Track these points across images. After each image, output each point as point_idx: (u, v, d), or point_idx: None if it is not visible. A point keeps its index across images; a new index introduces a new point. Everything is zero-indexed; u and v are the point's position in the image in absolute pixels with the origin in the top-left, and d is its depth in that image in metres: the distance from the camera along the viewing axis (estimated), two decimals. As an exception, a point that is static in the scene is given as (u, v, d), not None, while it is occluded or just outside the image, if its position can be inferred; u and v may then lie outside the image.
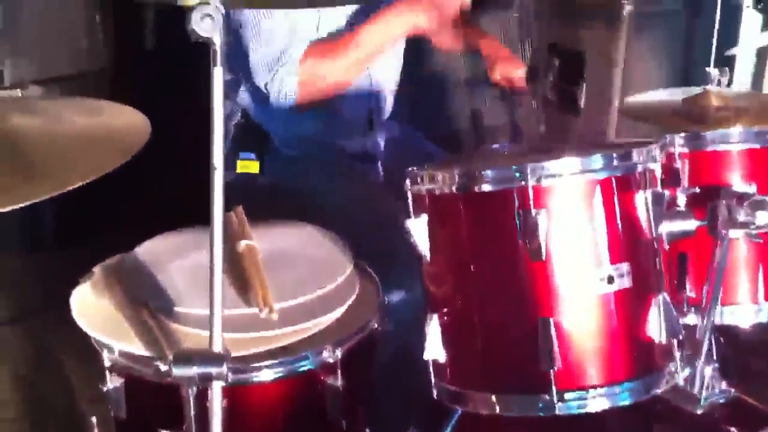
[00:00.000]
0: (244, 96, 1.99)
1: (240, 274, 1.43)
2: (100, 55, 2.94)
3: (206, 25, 1.15)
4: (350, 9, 1.92)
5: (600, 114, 2.89)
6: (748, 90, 2.56)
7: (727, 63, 2.61)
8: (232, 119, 1.99)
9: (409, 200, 1.36)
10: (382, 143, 2.14)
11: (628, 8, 2.80)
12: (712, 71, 2.04)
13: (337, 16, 1.92)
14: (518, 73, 2.16)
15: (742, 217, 1.37)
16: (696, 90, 1.93)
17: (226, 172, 1.40)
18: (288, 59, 1.84)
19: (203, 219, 1.19)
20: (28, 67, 2.73)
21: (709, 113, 1.86)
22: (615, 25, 2.82)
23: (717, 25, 2.65)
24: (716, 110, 1.87)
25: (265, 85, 1.87)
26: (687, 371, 1.38)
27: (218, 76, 1.18)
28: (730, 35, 2.91)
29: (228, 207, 1.75)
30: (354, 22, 1.90)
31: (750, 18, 2.98)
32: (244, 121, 1.99)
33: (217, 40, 1.17)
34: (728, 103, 1.88)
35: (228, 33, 1.86)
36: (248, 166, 1.95)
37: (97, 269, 1.52)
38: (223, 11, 1.17)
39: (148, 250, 1.56)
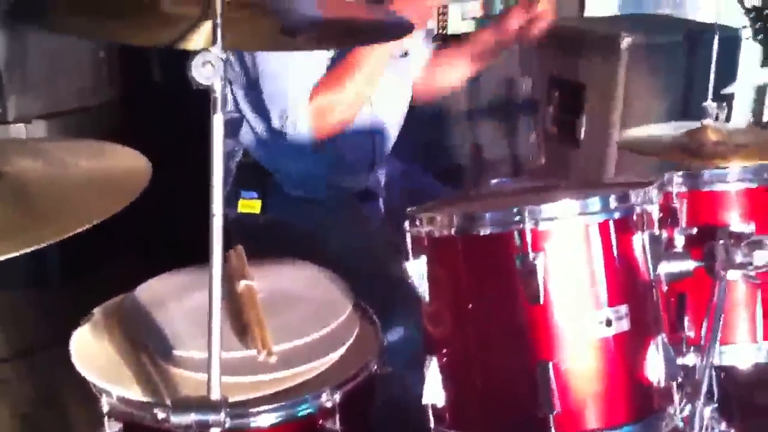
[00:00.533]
0: (246, 134, 2.00)
1: (239, 315, 1.43)
2: (104, 90, 2.96)
3: (207, 71, 1.17)
4: None
5: (600, 146, 2.90)
6: (746, 124, 2.57)
7: (725, 98, 2.63)
8: (234, 158, 2.00)
9: (408, 242, 1.37)
10: (383, 180, 2.15)
11: (626, 41, 2.82)
12: (710, 106, 2.06)
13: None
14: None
15: (739, 257, 1.38)
16: (694, 124, 1.94)
17: (227, 211, 1.41)
18: (300, 98, 1.86)
19: (205, 256, 1.20)
20: (32, 102, 2.75)
21: (707, 148, 1.86)
22: (614, 57, 2.83)
23: (714, 58, 2.67)
24: (714, 145, 1.87)
25: (280, 124, 1.88)
26: (686, 412, 1.38)
27: (218, 123, 1.19)
28: (728, 68, 2.92)
29: (229, 245, 1.76)
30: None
31: (749, 50, 3.00)
32: (246, 160, 2.00)
33: (218, 86, 1.18)
34: (726, 139, 1.89)
35: (233, 70, 1.87)
36: (250, 205, 1.96)
37: (96, 311, 1.52)
38: (224, 58, 1.19)
39: (148, 290, 1.57)
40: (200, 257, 1.35)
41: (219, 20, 1.17)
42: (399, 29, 1.40)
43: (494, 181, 2.09)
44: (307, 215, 1.97)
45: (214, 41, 1.17)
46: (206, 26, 1.24)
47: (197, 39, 1.28)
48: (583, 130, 2.94)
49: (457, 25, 4.70)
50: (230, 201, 1.97)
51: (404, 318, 1.65)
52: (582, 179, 1.75)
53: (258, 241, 1.95)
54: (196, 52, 1.17)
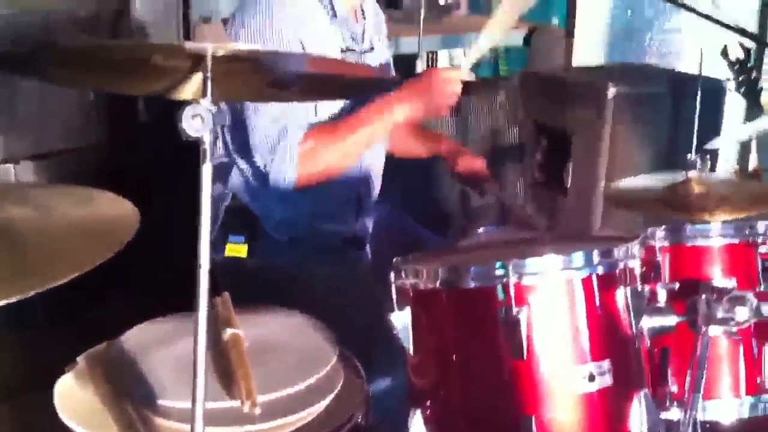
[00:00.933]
0: (235, 179, 2.02)
1: (225, 365, 1.43)
2: (93, 131, 2.97)
3: (196, 124, 1.18)
4: None
5: (587, 194, 2.92)
6: (731, 174, 2.60)
7: (710, 152, 2.66)
8: (223, 202, 2.02)
9: (393, 293, 1.38)
10: (370, 226, 2.16)
11: (612, 90, 2.86)
12: (694, 158, 2.09)
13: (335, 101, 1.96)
14: (479, 164, 2.20)
15: (720, 313, 1.39)
16: (679, 176, 1.96)
17: (214, 255, 1.42)
18: (288, 141, 1.86)
19: (191, 302, 1.21)
20: (20, 143, 2.75)
21: (691, 201, 1.88)
22: (600, 107, 2.87)
23: (698, 109, 2.71)
24: (698, 197, 1.90)
25: (264, 165, 1.89)
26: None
27: (207, 174, 1.20)
28: (713, 119, 2.97)
29: (216, 290, 1.77)
30: (354, 105, 1.94)
31: (734, 102, 3.05)
32: (234, 204, 2.01)
33: (207, 138, 1.19)
34: (710, 190, 1.91)
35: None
36: (237, 249, 1.97)
37: (81, 359, 1.52)
38: (213, 110, 1.20)
39: (133, 337, 1.56)
40: (187, 302, 1.36)
41: (209, 74, 1.19)
42: (384, 85, 1.42)
43: (481, 230, 2.10)
44: (293, 260, 1.97)
45: (204, 94, 1.19)
46: (196, 77, 1.26)
47: (187, 89, 1.30)
48: (569, 177, 2.97)
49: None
50: (217, 245, 1.97)
51: (390, 367, 1.65)
52: (566, 232, 1.77)
53: (245, 285, 1.95)
54: (185, 104, 1.19)
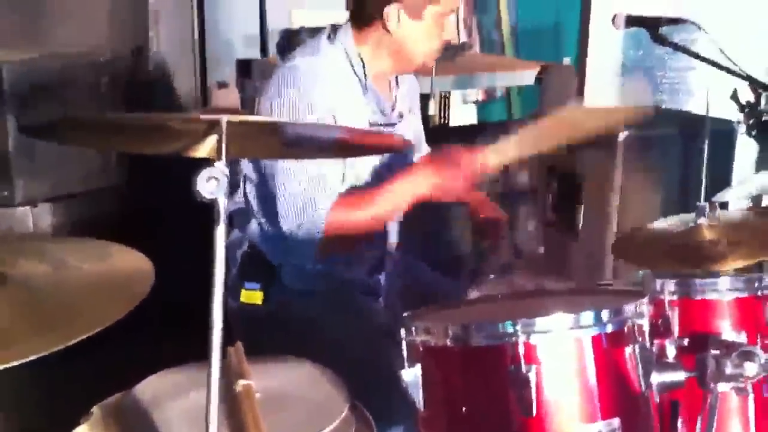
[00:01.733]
0: (253, 226, 2.04)
1: (237, 416, 1.45)
2: (111, 173, 3.01)
3: (211, 186, 1.21)
4: (374, 161, 1.99)
5: (598, 236, 2.93)
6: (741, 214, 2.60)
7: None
8: (239, 248, 2.04)
9: (404, 350, 1.39)
10: (383, 275, 2.17)
11: (623, 133, 2.88)
12: (703, 205, 2.10)
13: (361, 169, 1.99)
14: (499, 212, 2.22)
15: (729, 369, 1.40)
16: (689, 222, 1.96)
17: (229, 301, 1.44)
18: (315, 212, 1.88)
19: (205, 351, 1.23)
20: (39, 185, 2.79)
21: (702, 249, 1.89)
22: (611, 150, 2.89)
23: (707, 152, 2.72)
24: (710, 244, 1.90)
25: (290, 232, 1.91)
26: None
27: (220, 236, 1.23)
28: (724, 161, 2.98)
29: (230, 337, 1.79)
30: (380, 176, 1.97)
31: (744, 145, 3.05)
32: (251, 251, 2.04)
33: (221, 201, 1.22)
34: (721, 236, 1.91)
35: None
36: (252, 296, 1.99)
37: (95, 409, 1.53)
38: (227, 173, 1.23)
39: (147, 388, 1.58)
40: (202, 350, 1.38)
41: (224, 136, 1.22)
42: (392, 148, 1.45)
43: (492, 276, 2.12)
44: (308, 308, 1.99)
45: (218, 156, 1.22)
46: (211, 138, 1.29)
47: (203, 149, 1.33)
48: (581, 220, 2.98)
49: (458, 111, 4.81)
50: (233, 291, 1.99)
51: (401, 419, 1.66)
52: (575, 284, 1.78)
53: (259, 331, 1.98)
54: (201, 167, 1.22)
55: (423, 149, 2.27)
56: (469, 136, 3.18)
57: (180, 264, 2.18)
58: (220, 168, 1.21)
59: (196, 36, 3.88)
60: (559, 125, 2.04)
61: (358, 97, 1.98)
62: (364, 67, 1.97)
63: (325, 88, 1.90)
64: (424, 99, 3.54)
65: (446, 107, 4.46)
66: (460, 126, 4.49)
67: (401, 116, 2.10)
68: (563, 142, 2.05)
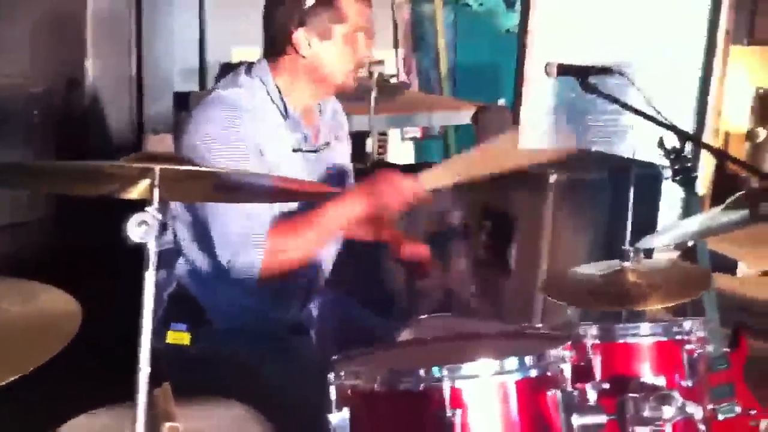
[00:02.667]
0: (181, 266, 2.03)
1: (164, 460, 1.44)
2: (40, 205, 2.97)
3: (141, 231, 1.22)
4: None
5: (530, 275, 2.99)
6: (667, 261, 2.68)
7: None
8: (166, 289, 2.03)
9: (332, 393, 1.41)
10: (315, 312, 2.18)
11: (553, 176, 2.95)
12: (628, 249, 2.17)
13: None
14: (422, 251, 2.26)
15: (647, 412, 1.45)
16: (615, 266, 2.03)
17: (156, 343, 1.43)
18: (252, 239, 1.89)
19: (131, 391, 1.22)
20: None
21: (626, 290, 1.95)
22: (542, 192, 2.96)
23: (632, 197, 2.81)
24: (633, 287, 1.96)
25: (228, 261, 1.91)
26: None
27: (150, 280, 1.23)
28: (650, 205, 3.08)
29: (157, 379, 1.77)
30: (312, 204, 1.98)
31: (670, 191, 3.16)
32: (178, 291, 2.02)
33: (152, 245, 1.23)
34: (645, 280, 1.98)
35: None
36: (179, 337, 1.97)
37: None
38: (159, 217, 1.24)
39: (72, 430, 1.56)
40: (128, 391, 1.38)
41: (157, 183, 1.23)
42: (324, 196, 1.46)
43: (423, 317, 2.15)
44: (236, 348, 1.98)
45: (150, 202, 1.23)
46: (144, 181, 1.29)
47: (135, 191, 1.34)
48: (513, 259, 3.04)
49: (396, 148, 4.88)
50: (159, 332, 1.97)
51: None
52: (503, 327, 1.82)
53: (187, 373, 1.96)
54: (131, 206, 1.23)
55: (351, 178, 2.30)
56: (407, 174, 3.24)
57: (106, 301, 2.15)
58: (152, 213, 1.22)
59: (134, 69, 3.87)
60: (492, 154, 2.09)
61: (279, 125, 2.00)
62: (281, 96, 2.00)
63: (244, 118, 1.92)
64: (363, 136, 3.60)
65: (385, 144, 4.53)
66: (397, 164, 4.54)
67: (327, 144, 2.12)
68: (496, 170, 2.09)
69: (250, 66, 2.05)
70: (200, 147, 1.88)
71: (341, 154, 2.20)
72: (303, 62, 1.99)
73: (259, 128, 1.94)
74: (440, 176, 2.06)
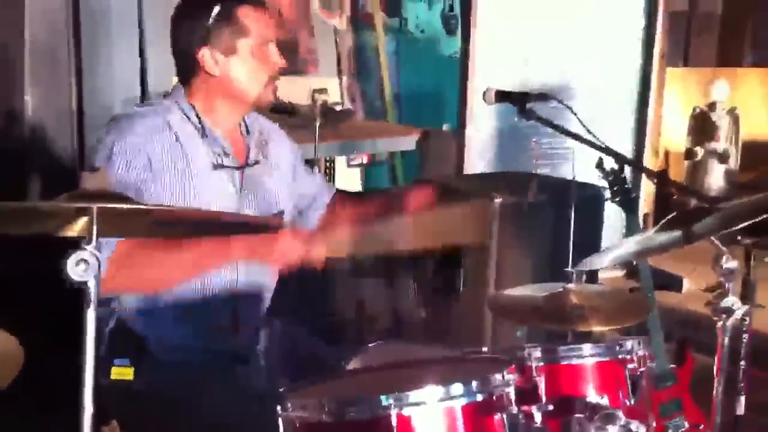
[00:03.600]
0: (118, 301, 1.99)
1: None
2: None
3: (80, 269, 1.21)
4: None
5: (478, 298, 3.02)
6: (610, 286, 2.73)
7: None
8: (107, 324, 1.99)
9: (280, 425, 1.40)
10: (260, 341, 2.16)
11: (498, 200, 2.99)
12: (570, 271, 2.20)
13: None
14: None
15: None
16: (557, 287, 2.06)
17: (100, 379, 1.41)
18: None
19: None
20: None
21: (567, 312, 1.98)
22: (487, 215, 3.00)
23: (573, 219, 2.87)
24: (574, 308, 1.99)
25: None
26: None
27: (91, 319, 1.22)
28: (592, 227, 3.14)
29: (103, 416, 1.74)
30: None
31: (614, 212, 3.22)
32: (119, 326, 1.99)
33: (92, 284, 1.22)
34: (585, 302, 2.02)
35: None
36: (123, 372, 1.94)
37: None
38: (99, 255, 1.23)
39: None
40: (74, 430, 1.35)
41: (95, 221, 1.22)
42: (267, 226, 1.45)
43: (371, 345, 2.15)
44: (180, 381, 1.93)
45: (89, 241, 1.22)
46: (82, 219, 1.28)
47: (73, 229, 1.32)
48: (461, 283, 3.07)
49: (343, 175, 4.89)
50: (103, 368, 1.94)
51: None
52: (448, 352, 1.83)
53: (132, 408, 1.93)
54: (71, 251, 1.21)
55: (319, 207, 2.29)
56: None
57: (46, 339, 2.10)
58: (90, 251, 1.21)
59: (74, 101, 3.82)
60: (406, 230, 2.09)
61: (196, 143, 1.99)
62: (199, 116, 2.00)
63: (162, 140, 1.94)
64: (309, 164, 3.61)
65: (331, 171, 4.53)
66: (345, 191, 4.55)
67: (257, 162, 2.10)
68: (409, 248, 2.10)
69: (166, 93, 2.06)
70: (113, 159, 1.88)
71: (281, 175, 2.18)
72: (214, 81, 1.98)
73: (174, 144, 1.94)
74: (338, 246, 2.03)
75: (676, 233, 1.75)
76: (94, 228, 1.20)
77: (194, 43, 1.97)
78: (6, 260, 2.87)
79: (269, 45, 2.01)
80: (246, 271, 2.04)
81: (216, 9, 1.96)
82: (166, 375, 1.95)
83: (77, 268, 1.20)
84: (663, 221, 1.79)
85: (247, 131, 2.12)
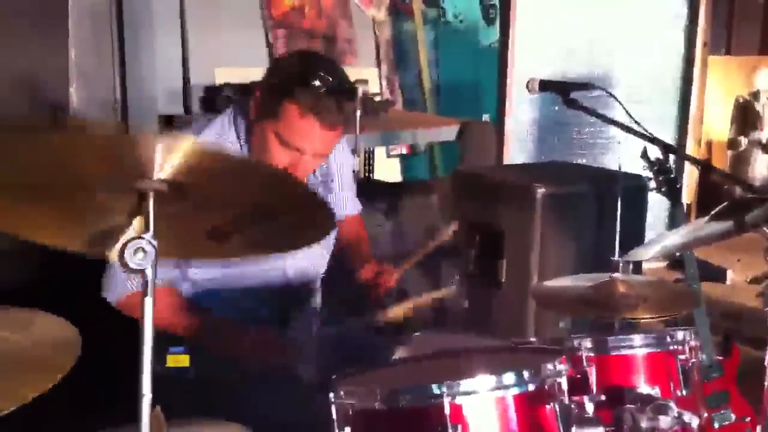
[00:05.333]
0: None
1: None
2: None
3: (138, 258, 1.22)
4: None
5: (520, 288, 3.01)
6: (656, 277, 2.71)
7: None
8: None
9: (333, 412, 1.41)
10: (313, 332, 2.17)
11: (540, 191, 2.98)
12: (617, 260, 2.19)
13: None
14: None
15: (645, 422, 1.47)
16: (604, 277, 2.05)
17: (156, 366, 1.43)
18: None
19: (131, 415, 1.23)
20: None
21: (615, 301, 1.97)
22: (529, 206, 2.98)
23: (620, 209, 2.84)
24: (622, 297, 1.98)
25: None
26: None
27: (149, 307, 1.24)
28: (636, 217, 3.11)
29: (154, 403, 1.76)
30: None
31: (655, 202, 3.19)
32: None
33: (150, 272, 1.23)
34: (633, 291, 2.01)
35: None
36: (178, 360, 1.97)
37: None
38: (155, 243, 1.24)
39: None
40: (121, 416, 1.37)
41: (151, 209, 1.23)
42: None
43: (417, 334, 2.16)
44: (233, 370, 1.97)
45: (146, 228, 1.23)
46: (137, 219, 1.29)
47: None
48: (503, 273, 3.06)
49: (383, 165, 4.90)
50: (158, 355, 1.96)
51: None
52: (496, 342, 1.83)
53: (187, 396, 1.96)
54: (128, 240, 1.23)
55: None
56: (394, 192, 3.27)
57: (104, 329, 2.14)
58: (148, 239, 1.22)
59: (118, 93, 3.87)
60: None
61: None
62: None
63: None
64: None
65: (371, 162, 4.54)
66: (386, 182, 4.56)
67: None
68: None
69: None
70: None
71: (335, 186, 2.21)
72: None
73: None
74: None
75: (728, 223, 1.73)
76: (151, 216, 1.21)
77: (282, 92, 1.84)
78: (53, 251, 2.92)
79: (303, 156, 1.88)
80: (294, 264, 2.06)
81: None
82: (219, 364, 1.97)
83: (135, 256, 1.21)
84: (714, 211, 1.77)
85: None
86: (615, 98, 2.33)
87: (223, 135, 1.98)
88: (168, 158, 1.16)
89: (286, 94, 1.82)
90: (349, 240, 2.32)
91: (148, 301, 1.23)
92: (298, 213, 1.33)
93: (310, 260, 2.13)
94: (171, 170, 1.17)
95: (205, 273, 2.01)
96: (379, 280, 2.19)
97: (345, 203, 2.31)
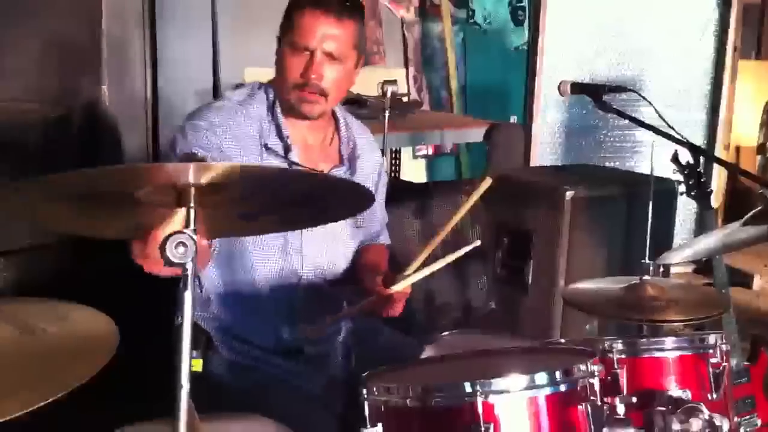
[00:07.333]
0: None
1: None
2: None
3: (179, 252, 1.24)
4: None
5: (548, 291, 3.01)
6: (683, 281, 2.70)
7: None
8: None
9: (365, 409, 1.42)
10: (343, 331, 2.17)
11: (569, 193, 2.97)
12: (647, 264, 2.18)
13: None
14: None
15: (676, 425, 1.47)
16: (634, 279, 2.05)
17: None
18: None
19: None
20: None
21: (645, 303, 1.97)
22: (559, 207, 2.98)
23: (651, 212, 2.82)
24: (651, 300, 1.98)
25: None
26: None
27: (188, 300, 1.26)
28: (666, 220, 3.10)
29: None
30: None
31: (685, 205, 3.18)
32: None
33: (189, 266, 1.25)
34: (663, 294, 2.00)
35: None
36: (192, 364, 1.96)
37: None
38: (195, 238, 1.26)
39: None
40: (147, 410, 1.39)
41: (193, 204, 1.25)
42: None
43: (445, 334, 2.17)
44: (248, 374, 1.96)
45: (187, 224, 1.26)
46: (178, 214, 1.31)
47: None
48: (530, 275, 3.06)
49: (409, 166, 4.90)
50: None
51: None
52: (527, 342, 1.83)
53: (201, 401, 1.96)
54: (170, 234, 1.24)
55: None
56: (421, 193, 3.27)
57: (134, 323, 2.16)
58: (189, 233, 1.24)
59: (149, 92, 3.91)
60: None
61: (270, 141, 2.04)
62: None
63: None
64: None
65: (397, 162, 4.55)
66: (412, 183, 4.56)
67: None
68: None
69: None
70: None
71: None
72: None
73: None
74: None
75: (762, 228, 1.72)
76: (192, 210, 1.23)
77: (292, 5, 2.01)
78: (90, 246, 2.95)
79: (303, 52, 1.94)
80: (313, 263, 2.05)
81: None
82: (232, 367, 1.97)
83: (176, 250, 1.22)
84: (747, 216, 1.76)
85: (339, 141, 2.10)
86: (648, 102, 2.32)
87: (253, 95, 2.05)
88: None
89: (295, 5, 1.98)
90: (367, 265, 2.21)
91: (188, 295, 1.25)
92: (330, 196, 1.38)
93: (328, 257, 2.11)
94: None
95: (214, 279, 2.00)
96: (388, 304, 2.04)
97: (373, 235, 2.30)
